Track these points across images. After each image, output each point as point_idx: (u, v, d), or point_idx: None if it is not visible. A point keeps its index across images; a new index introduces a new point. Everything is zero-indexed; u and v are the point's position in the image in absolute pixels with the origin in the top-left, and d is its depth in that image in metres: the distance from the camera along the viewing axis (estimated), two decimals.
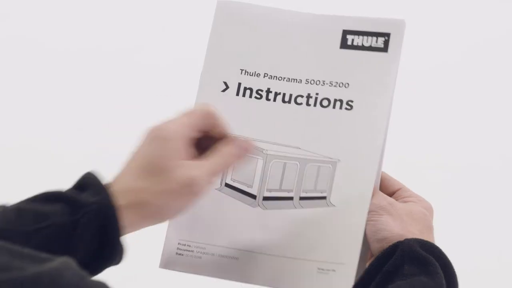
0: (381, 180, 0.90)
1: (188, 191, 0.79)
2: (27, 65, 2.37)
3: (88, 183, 0.77)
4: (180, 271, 0.90)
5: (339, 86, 0.89)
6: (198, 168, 0.80)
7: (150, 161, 0.79)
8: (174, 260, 0.89)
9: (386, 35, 0.88)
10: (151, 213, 0.79)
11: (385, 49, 0.88)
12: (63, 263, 0.53)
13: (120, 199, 0.77)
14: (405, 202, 0.89)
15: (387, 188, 0.91)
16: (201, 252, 0.87)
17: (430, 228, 0.88)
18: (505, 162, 2.16)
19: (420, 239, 0.84)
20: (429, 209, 0.90)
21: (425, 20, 2.30)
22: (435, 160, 2.16)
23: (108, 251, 0.76)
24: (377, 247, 0.86)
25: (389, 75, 0.88)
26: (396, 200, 0.89)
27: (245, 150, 0.85)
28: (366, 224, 0.86)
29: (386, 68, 0.88)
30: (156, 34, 2.39)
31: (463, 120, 2.21)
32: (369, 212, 0.86)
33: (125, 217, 0.77)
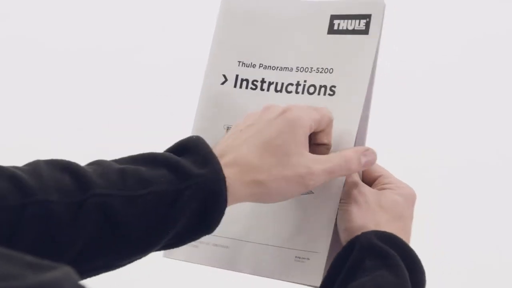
0: None
1: (300, 181, 0.78)
2: (27, 65, 2.36)
3: (194, 147, 0.75)
4: (180, 260, 0.90)
5: (324, 72, 0.89)
6: (318, 162, 0.79)
7: (276, 142, 0.78)
8: (175, 249, 0.89)
9: (368, 17, 0.87)
10: (260, 193, 0.77)
11: (366, 31, 0.87)
12: (64, 273, 0.52)
13: (230, 171, 0.75)
14: (382, 189, 0.87)
15: (369, 174, 0.89)
16: (198, 241, 0.87)
17: (400, 217, 0.84)
18: (502, 158, 2.16)
19: (378, 231, 0.81)
20: (407, 196, 0.86)
21: (423, 15, 2.30)
22: (431, 156, 2.16)
23: (207, 224, 0.75)
24: (343, 237, 0.84)
25: (367, 57, 0.87)
26: (375, 187, 0.87)
27: (366, 156, 0.83)
28: (337, 213, 0.85)
29: (366, 50, 0.87)
30: (156, 34, 2.39)
31: (460, 116, 2.21)
32: (340, 200, 0.85)
33: (230, 192, 0.74)
